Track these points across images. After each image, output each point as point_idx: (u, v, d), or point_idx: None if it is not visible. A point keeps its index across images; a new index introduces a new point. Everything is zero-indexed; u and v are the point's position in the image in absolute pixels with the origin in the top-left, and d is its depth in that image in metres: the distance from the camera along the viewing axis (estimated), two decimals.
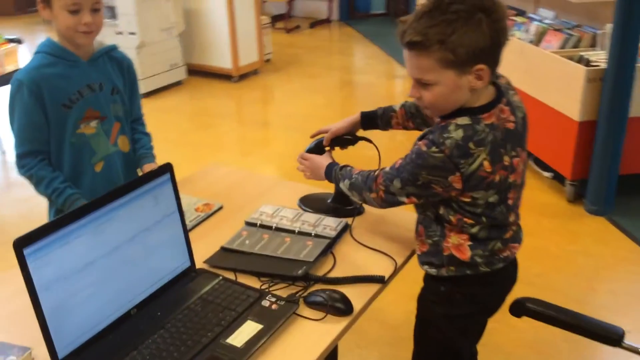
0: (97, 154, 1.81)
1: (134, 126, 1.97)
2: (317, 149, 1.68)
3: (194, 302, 1.32)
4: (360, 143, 1.69)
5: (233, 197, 1.82)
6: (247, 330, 1.23)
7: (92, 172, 1.81)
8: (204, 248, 1.52)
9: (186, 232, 1.41)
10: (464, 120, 1.27)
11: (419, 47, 1.23)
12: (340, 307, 1.31)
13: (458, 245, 1.37)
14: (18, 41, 4.49)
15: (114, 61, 1.85)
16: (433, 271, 1.43)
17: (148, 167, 1.90)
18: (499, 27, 1.23)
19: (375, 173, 1.42)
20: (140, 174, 1.91)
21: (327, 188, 1.75)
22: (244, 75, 5.87)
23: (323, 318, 1.30)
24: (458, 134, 1.25)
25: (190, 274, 1.41)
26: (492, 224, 1.35)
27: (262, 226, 1.61)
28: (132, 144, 1.94)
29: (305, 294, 1.36)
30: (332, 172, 1.56)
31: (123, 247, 1.26)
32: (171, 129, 4.70)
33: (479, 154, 1.25)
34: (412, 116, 1.63)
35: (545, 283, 2.71)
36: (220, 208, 1.76)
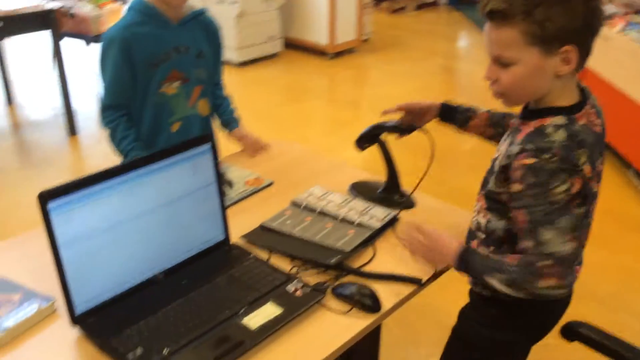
0: (174, 115, 1.85)
1: (214, 90, 2.00)
2: (370, 136, 1.60)
3: (220, 276, 1.29)
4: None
5: (287, 175, 1.78)
6: (266, 312, 1.19)
7: (168, 131, 1.86)
8: (245, 223, 1.50)
9: (223, 205, 1.38)
10: (559, 120, 1.13)
11: (501, 17, 1.11)
12: (367, 304, 1.24)
13: None
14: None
15: (202, 25, 1.87)
16: (487, 292, 1.30)
17: (238, 133, 1.98)
18: (593, 5, 1.09)
19: (528, 257, 1.12)
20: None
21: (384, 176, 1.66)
22: (340, 53, 5.81)
23: (348, 312, 1.23)
24: (560, 136, 1.10)
25: (223, 247, 1.39)
26: None
27: (307, 208, 1.56)
28: (212, 108, 1.97)
29: (334, 284, 1.30)
30: (468, 261, 1.21)
31: (155, 211, 1.25)
32: (260, 101, 4.74)
33: (583, 157, 1.10)
34: (494, 124, 1.47)
35: (618, 304, 2.48)
36: (271, 184, 1.72)
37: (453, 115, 1.53)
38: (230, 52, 5.31)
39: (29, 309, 1.18)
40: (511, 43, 1.11)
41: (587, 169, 1.11)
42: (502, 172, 1.17)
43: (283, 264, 1.35)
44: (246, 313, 1.19)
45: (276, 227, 1.48)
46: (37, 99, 4.76)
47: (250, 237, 1.45)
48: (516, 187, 1.13)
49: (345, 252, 1.37)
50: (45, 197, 1.07)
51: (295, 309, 1.21)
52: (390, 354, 2.16)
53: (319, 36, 5.68)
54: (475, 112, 1.50)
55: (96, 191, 1.15)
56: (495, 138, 1.46)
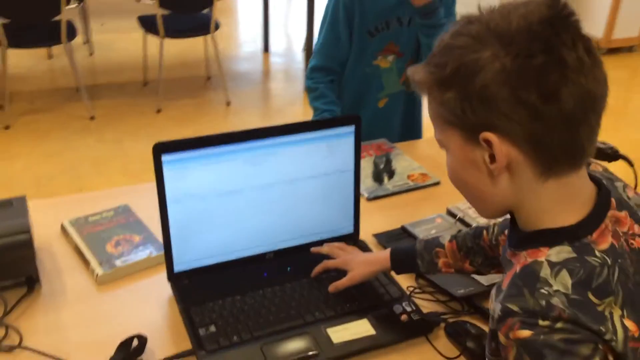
0: (384, 90, 1.77)
1: None
2: None
3: (328, 273, 1.16)
4: None
5: None
6: (356, 329, 1.04)
7: (374, 106, 1.78)
8: (385, 220, 1.34)
9: (357, 195, 1.24)
10: (561, 251, 0.68)
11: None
12: (480, 354, 1.00)
13: None
14: None
15: None
16: None
17: None
18: (550, 61, 0.64)
19: None
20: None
21: None
22: (615, 50, 5.05)
23: (455, 358, 1.01)
24: (563, 281, 0.65)
25: (348, 242, 1.25)
26: None
27: (461, 221, 1.33)
28: None
29: (452, 319, 1.08)
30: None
31: (278, 186, 1.16)
32: None
33: (609, 309, 0.66)
34: (469, 252, 1.03)
35: None
36: (436, 184, 1.51)
37: (411, 262, 1.08)
38: None
39: (141, 253, 1.20)
40: (432, 117, 0.75)
41: (630, 326, 0.65)
42: (493, 339, 0.73)
43: (404, 279, 1.17)
44: (335, 323, 1.05)
45: (417, 233, 1.29)
46: (291, 49, 5.05)
47: (383, 237, 1.29)
48: None
49: (480, 284, 1.13)
50: (160, 149, 1.04)
51: (392, 336, 1.03)
52: None
53: (593, 27, 5.00)
54: (441, 246, 1.05)
55: (217, 153, 1.09)
56: (481, 270, 1.04)
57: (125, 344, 0.98)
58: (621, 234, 0.72)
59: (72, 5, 3.40)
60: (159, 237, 1.22)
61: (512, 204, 0.74)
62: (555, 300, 0.64)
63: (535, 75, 0.64)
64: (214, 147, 1.09)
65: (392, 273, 1.13)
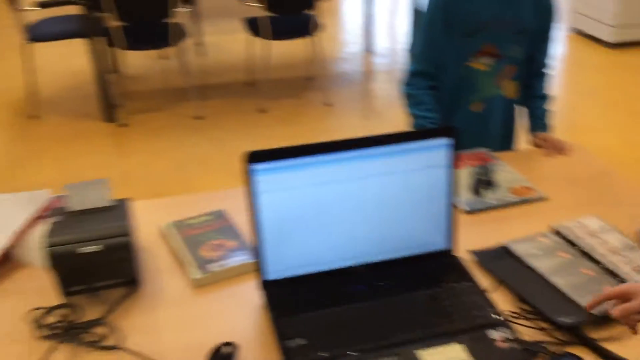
0: (477, 93, 1.71)
1: (533, 80, 1.76)
2: None
3: (422, 290, 1.12)
4: None
5: (570, 192, 1.45)
6: (449, 354, 0.99)
7: (466, 110, 1.73)
8: (482, 236, 1.27)
9: (451, 210, 1.18)
10: None
11: None
12: None
13: None
14: None
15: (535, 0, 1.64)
16: None
17: (539, 136, 1.71)
18: None
19: None
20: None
21: None
22: None
23: None
24: None
25: (442, 258, 1.20)
26: None
27: (568, 241, 1.24)
28: (522, 97, 1.76)
29: (555, 351, 1.00)
30: None
31: (371, 198, 1.13)
32: (634, 93, 4.04)
33: None
34: None
35: None
36: (541, 199, 1.42)
37: None
38: (600, 28, 4.66)
39: (235, 260, 1.22)
40: None
41: None
42: None
43: (503, 302, 1.10)
44: (426, 345, 1.00)
45: (519, 253, 1.21)
46: (395, 50, 4.99)
47: (482, 255, 1.22)
48: None
49: (587, 313, 1.05)
50: (251, 159, 1.05)
51: None
52: None
53: None
54: None
55: (310, 162, 1.08)
56: None
57: (216, 351, 0.99)
58: None
59: (183, 9, 3.54)
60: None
61: None
62: None
63: None
64: (308, 156, 1.08)
65: (492, 294, 1.07)
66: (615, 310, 0.97)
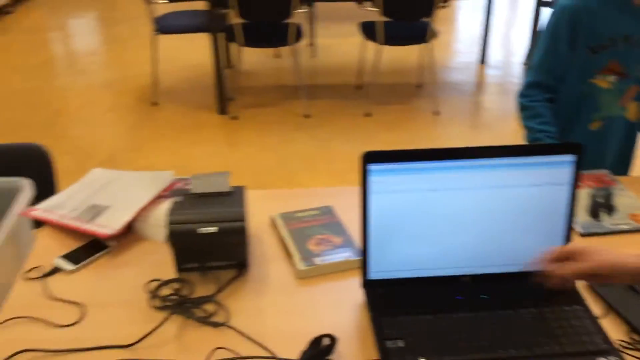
0: (599, 112, 1.65)
1: None
2: None
3: (528, 308, 1.09)
4: None
5: None
6: None
7: (584, 128, 1.67)
8: None
9: (569, 232, 1.14)
10: None
11: None
12: None
13: None
14: None
15: None
16: None
17: None
18: None
19: None
20: None
21: None
22: None
23: None
24: None
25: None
26: None
27: None
28: None
29: None
30: None
31: (484, 209, 1.12)
32: None
33: None
34: None
35: None
36: None
37: None
38: None
39: (339, 255, 1.24)
40: None
41: None
42: None
43: (613, 329, 1.05)
44: None
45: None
46: (509, 62, 4.85)
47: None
48: None
49: None
50: (368, 158, 1.07)
51: None
52: None
53: None
54: None
55: (425, 167, 1.09)
56: None
57: (317, 341, 1.02)
58: None
59: (302, 10, 3.64)
60: (358, 241, 1.25)
61: None
62: None
63: None
64: (422, 161, 1.08)
65: (602, 320, 1.03)
66: (563, 269, 0.99)
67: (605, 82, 1.60)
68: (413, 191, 1.10)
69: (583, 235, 1.31)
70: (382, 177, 1.08)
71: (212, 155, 3.43)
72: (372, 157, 1.07)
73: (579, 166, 1.10)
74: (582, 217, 1.36)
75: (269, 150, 3.50)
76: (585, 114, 1.65)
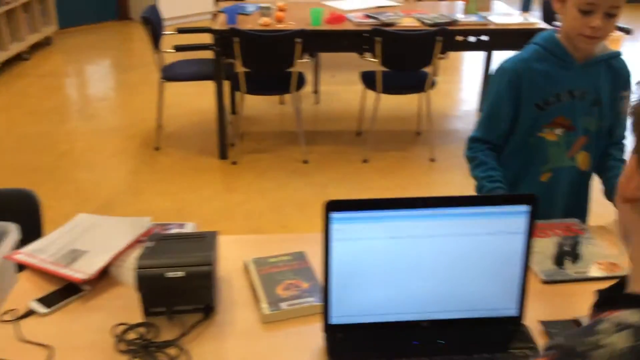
0: (547, 164, 1.68)
1: (610, 150, 1.70)
2: None
3: (483, 356, 1.11)
4: None
5: None
6: None
7: (535, 180, 1.70)
8: (559, 307, 1.25)
9: (523, 279, 1.17)
10: (633, 315, 0.62)
11: None
12: None
13: None
14: (626, 31, 4.31)
15: (611, 70, 1.62)
16: None
17: None
18: None
19: None
20: None
21: None
22: None
23: None
24: (619, 341, 0.60)
25: (509, 325, 1.18)
26: None
27: None
28: (597, 167, 1.70)
29: None
30: None
31: (442, 256, 1.15)
32: None
33: None
34: None
35: None
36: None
37: None
38: None
39: (305, 300, 1.27)
40: None
41: None
42: None
43: None
44: None
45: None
46: None
47: (551, 326, 1.19)
48: None
49: None
50: (330, 207, 1.11)
51: None
52: None
53: None
54: None
55: (387, 216, 1.13)
56: None
57: None
58: None
59: (304, 60, 3.74)
60: None
61: None
62: (596, 354, 0.59)
63: None
64: (383, 210, 1.13)
65: None
66: None
67: (553, 135, 1.63)
68: (374, 239, 1.14)
69: (545, 282, 1.34)
70: (343, 225, 1.12)
71: (209, 200, 3.49)
72: (334, 206, 1.11)
73: (534, 216, 1.14)
74: (546, 265, 1.38)
75: (264, 195, 3.55)
76: (535, 165, 1.68)
